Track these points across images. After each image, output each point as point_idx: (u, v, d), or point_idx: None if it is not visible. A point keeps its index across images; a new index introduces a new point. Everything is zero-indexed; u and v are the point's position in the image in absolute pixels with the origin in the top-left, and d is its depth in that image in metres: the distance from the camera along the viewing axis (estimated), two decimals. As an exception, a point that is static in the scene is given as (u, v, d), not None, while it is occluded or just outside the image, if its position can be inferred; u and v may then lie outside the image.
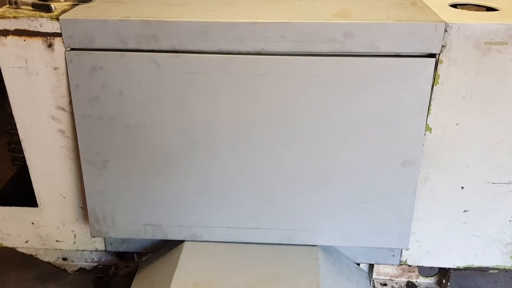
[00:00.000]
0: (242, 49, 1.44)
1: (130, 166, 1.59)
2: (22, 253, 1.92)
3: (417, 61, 1.42)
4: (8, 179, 2.01)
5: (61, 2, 1.57)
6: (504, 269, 1.74)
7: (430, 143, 1.54)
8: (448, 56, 1.41)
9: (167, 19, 1.41)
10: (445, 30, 1.38)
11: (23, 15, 1.44)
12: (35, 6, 1.49)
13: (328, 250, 1.70)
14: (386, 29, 1.39)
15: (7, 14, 1.45)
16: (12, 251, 1.90)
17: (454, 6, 1.58)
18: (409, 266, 1.82)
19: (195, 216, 1.65)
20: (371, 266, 1.85)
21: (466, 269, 1.75)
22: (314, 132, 1.51)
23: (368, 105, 1.46)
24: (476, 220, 1.65)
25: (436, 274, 1.89)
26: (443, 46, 1.40)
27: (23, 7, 1.51)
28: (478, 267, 1.75)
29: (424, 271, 1.88)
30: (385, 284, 1.87)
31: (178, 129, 1.54)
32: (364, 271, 1.84)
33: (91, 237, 1.70)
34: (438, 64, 1.42)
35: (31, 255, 1.93)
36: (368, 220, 1.61)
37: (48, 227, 1.79)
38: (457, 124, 1.51)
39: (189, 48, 1.44)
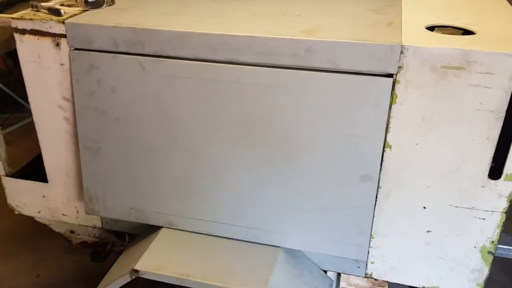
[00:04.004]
0: (215, 57, 1.58)
1: (119, 154, 1.80)
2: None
3: (375, 79, 1.47)
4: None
5: (74, 7, 1.82)
6: (473, 296, 1.71)
7: (391, 160, 1.57)
8: (405, 77, 1.45)
9: (150, 28, 1.60)
10: (401, 52, 1.42)
11: (37, 17, 1.70)
12: (50, 10, 1.74)
13: (292, 253, 1.78)
14: (345, 48, 1.46)
15: (25, 16, 1.72)
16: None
17: (432, 28, 1.61)
18: (375, 280, 1.84)
19: (172, 206, 1.81)
20: (339, 275, 1.90)
21: (433, 290, 1.75)
22: (277, 138, 1.61)
23: (327, 118, 1.54)
24: (440, 242, 1.65)
25: (406, 292, 1.90)
26: (399, 67, 1.44)
27: (42, 10, 1.77)
28: (444, 290, 1.74)
29: (394, 287, 1.89)
30: (353, 295, 1.91)
31: (159, 125, 1.71)
32: (330, 279, 1.89)
33: (85, 213, 1.93)
34: (396, 84, 1.46)
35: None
36: (328, 228, 1.67)
37: (55, 201, 2.05)
38: (416, 144, 1.53)
39: (170, 53, 1.62)
